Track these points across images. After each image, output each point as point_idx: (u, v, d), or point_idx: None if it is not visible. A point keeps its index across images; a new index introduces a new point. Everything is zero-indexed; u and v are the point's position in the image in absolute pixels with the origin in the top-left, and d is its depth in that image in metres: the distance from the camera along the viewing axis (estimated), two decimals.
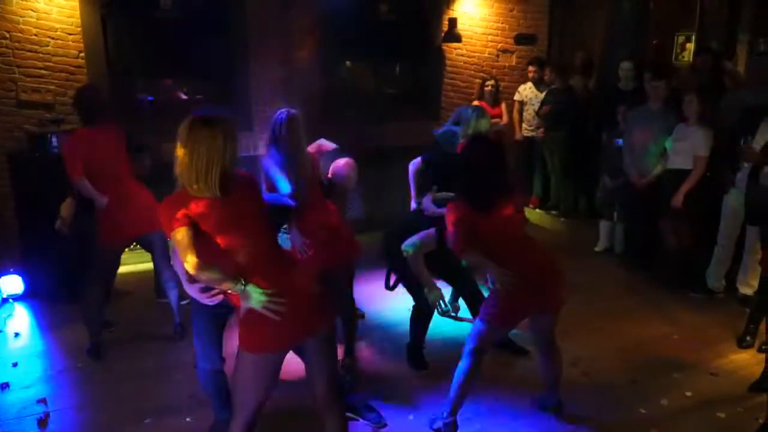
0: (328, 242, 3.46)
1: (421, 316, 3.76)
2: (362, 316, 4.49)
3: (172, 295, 4.10)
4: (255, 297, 2.29)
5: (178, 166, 2.30)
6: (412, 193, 4.29)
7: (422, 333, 3.81)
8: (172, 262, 3.11)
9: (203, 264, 2.24)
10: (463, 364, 3.03)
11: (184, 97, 6.14)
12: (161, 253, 4.01)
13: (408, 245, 3.44)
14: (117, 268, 4.10)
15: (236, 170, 2.40)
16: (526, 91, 6.90)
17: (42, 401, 3.45)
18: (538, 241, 3.12)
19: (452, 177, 3.29)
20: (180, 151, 2.29)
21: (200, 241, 2.30)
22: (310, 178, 3.55)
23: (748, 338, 4.04)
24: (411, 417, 3.29)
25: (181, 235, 2.26)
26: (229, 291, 2.35)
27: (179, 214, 2.28)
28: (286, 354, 2.46)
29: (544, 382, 3.31)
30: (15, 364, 3.87)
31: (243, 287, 2.29)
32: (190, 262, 2.23)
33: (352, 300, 3.82)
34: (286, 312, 2.31)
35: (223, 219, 2.32)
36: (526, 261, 2.94)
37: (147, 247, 4.15)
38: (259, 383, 2.42)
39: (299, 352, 2.55)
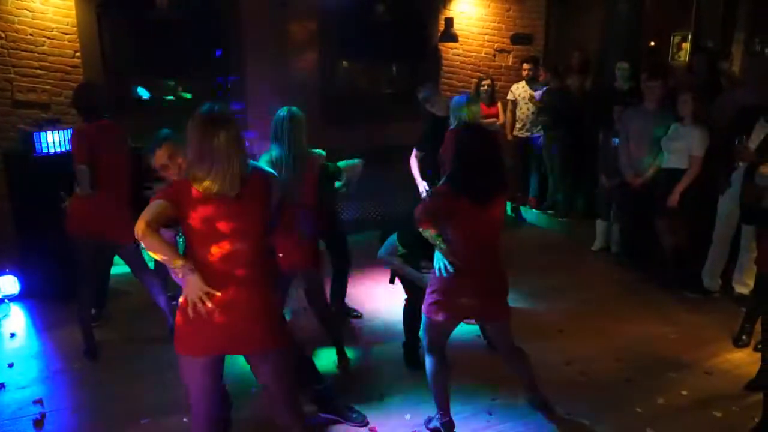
0: (294, 247, 3.35)
1: (413, 308, 3.76)
2: (360, 315, 4.49)
3: (161, 300, 4.09)
4: (193, 285, 2.24)
5: (188, 165, 2.25)
6: (417, 180, 4.37)
7: (416, 330, 3.81)
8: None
9: (151, 231, 2.15)
10: (426, 363, 3.04)
11: (186, 96, 6.15)
12: (137, 266, 4.04)
13: (385, 252, 3.46)
14: (104, 266, 4.07)
15: (251, 168, 2.32)
16: (519, 90, 6.89)
17: (38, 402, 3.44)
18: (503, 249, 3.05)
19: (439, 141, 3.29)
20: (190, 150, 2.24)
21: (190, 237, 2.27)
22: (306, 178, 3.53)
23: (744, 337, 4.05)
24: (408, 416, 3.29)
25: (156, 203, 2.21)
26: (172, 267, 2.26)
27: (173, 195, 2.24)
28: (215, 361, 2.37)
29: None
30: (11, 365, 3.86)
31: (183, 265, 2.22)
32: (139, 224, 2.15)
33: (325, 302, 3.79)
34: (217, 320, 2.26)
35: (226, 219, 2.25)
36: (485, 261, 2.90)
37: (124, 259, 4.14)
38: (192, 384, 2.37)
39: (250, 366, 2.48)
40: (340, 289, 4.41)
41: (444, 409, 3.06)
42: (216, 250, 2.27)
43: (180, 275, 2.27)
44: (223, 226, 2.26)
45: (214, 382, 2.41)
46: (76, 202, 3.83)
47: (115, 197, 3.89)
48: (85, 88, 4.13)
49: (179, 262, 2.24)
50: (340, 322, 4.19)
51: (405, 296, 3.80)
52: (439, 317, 2.93)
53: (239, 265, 2.30)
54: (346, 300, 4.50)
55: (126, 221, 3.77)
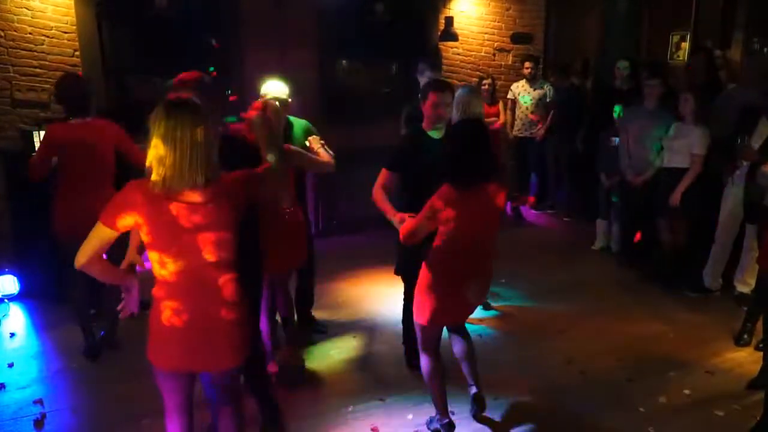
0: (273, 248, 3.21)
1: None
2: (324, 331, 4.29)
3: None
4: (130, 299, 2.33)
5: (151, 160, 2.04)
6: None
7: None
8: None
9: (88, 264, 2.14)
10: (421, 364, 3.03)
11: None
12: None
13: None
14: None
15: (219, 168, 2.14)
16: (518, 89, 6.89)
17: (38, 402, 3.43)
18: (494, 255, 3.00)
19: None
20: (154, 142, 2.03)
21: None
22: (287, 172, 3.36)
23: (745, 336, 4.05)
24: (410, 416, 3.28)
25: (100, 232, 2.10)
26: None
27: (122, 215, 2.08)
28: (185, 377, 2.28)
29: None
30: (11, 365, 3.85)
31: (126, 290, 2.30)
32: (79, 259, 2.12)
33: (290, 300, 3.74)
34: (184, 337, 2.15)
35: (191, 219, 2.08)
36: (476, 264, 2.86)
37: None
38: (165, 396, 2.28)
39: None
40: (306, 296, 4.25)
41: (442, 411, 3.05)
42: (176, 259, 2.11)
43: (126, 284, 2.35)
44: (188, 225, 2.08)
45: (182, 397, 2.29)
46: (62, 203, 3.74)
47: (102, 197, 3.74)
48: (65, 80, 3.88)
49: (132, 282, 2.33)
50: (303, 329, 4.14)
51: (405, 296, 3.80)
52: (427, 323, 2.93)
53: (209, 272, 2.15)
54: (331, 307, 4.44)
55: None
